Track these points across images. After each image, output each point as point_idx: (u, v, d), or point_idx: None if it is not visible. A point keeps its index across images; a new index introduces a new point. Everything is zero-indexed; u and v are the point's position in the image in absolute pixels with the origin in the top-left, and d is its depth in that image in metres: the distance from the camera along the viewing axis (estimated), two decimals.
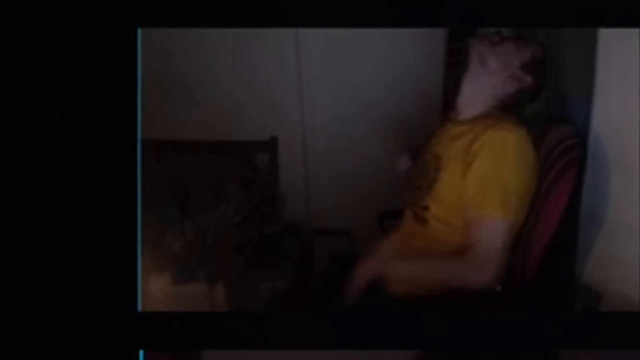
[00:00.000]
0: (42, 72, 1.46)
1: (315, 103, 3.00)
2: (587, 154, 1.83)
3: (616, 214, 1.83)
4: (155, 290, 2.49)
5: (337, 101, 2.97)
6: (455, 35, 2.56)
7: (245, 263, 2.69)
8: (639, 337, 1.51)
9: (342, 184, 3.11)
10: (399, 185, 2.12)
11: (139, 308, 1.54)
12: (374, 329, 1.59)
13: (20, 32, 1.45)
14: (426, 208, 1.85)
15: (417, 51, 2.79)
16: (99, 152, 1.47)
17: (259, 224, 2.93)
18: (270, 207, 3.10)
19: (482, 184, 1.72)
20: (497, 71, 1.83)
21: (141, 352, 1.50)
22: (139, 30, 1.50)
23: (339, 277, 2.27)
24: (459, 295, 1.75)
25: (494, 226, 1.71)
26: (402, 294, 1.94)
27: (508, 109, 1.87)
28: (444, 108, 2.57)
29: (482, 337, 1.50)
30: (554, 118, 1.88)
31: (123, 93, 1.48)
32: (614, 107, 1.82)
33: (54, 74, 1.46)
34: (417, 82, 2.83)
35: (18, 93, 1.44)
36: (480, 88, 1.86)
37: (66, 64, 1.46)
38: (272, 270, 2.71)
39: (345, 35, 2.77)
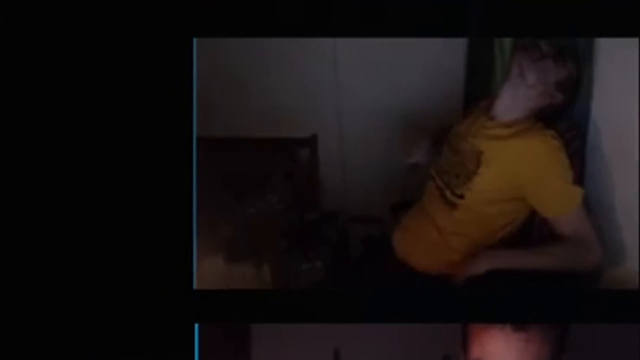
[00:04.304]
0: (113, 78, 1.46)
1: (351, 104, 2.98)
2: (586, 145, 1.87)
3: (616, 201, 1.85)
4: (209, 270, 2.49)
5: (370, 103, 2.95)
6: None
7: (288, 246, 2.69)
8: (636, 312, 1.50)
9: (374, 176, 3.08)
10: (422, 177, 2.09)
11: (194, 286, 1.54)
12: (403, 304, 1.58)
13: (92, 41, 1.45)
14: (461, 196, 1.82)
15: (441, 57, 2.76)
16: (160, 149, 1.47)
17: (301, 212, 2.92)
18: (311, 196, 3.09)
19: (549, 191, 1.73)
20: (533, 85, 1.77)
21: (196, 325, 1.50)
22: (195, 40, 1.50)
23: (371, 258, 2.26)
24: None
25: (572, 219, 1.71)
26: (427, 273, 1.93)
27: (539, 118, 1.83)
28: (469, 102, 2.53)
29: (496, 311, 1.49)
30: None
31: (181, 96, 1.48)
32: (611, 104, 1.84)
33: (125, 80, 1.47)
34: (441, 84, 2.80)
35: (94, 95, 1.45)
36: (517, 98, 1.81)
37: (133, 70, 1.47)
38: (312, 253, 2.69)
39: (377, 44, 2.75)
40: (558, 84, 1.78)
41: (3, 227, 1.45)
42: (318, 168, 3.13)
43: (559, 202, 1.72)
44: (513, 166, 1.74)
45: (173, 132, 1.50)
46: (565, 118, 1.86)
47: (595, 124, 1.87)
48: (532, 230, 1.89)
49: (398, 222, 2.16)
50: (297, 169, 3.06)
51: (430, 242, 1.92)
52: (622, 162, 1.78)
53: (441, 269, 1.86)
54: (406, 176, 2.19)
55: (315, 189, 3.13)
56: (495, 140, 1.81)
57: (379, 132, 3.00)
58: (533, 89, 1.78)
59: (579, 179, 1.77)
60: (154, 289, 1.49)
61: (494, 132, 1.83)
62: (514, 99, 1.82)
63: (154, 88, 1.50)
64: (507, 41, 2.23)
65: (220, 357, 1.71)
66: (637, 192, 1.71)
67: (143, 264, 1.48)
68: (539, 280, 1.71)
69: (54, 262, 1.45)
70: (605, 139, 1.85)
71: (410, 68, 2.84)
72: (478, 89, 2.48)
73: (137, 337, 1.48)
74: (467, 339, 1.44)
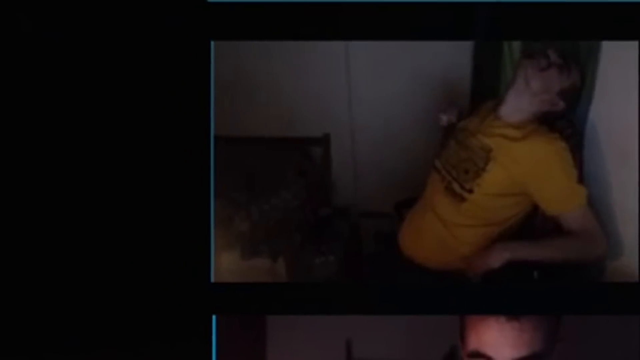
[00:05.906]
0: (133, 80, 1.47)
1: (362, 105, 2.98)
2: (586, 145, 1.89)
3: (615, 198, 1.86)
4: (225, 264, 2.50)
5: (381, 103, 2.96)
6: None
7: (302, 241, 2.69)
8: (636, 304, 1.50)
9: (384, 173, 3.09)
10: (429, 173, 2.10)
11: (212, 279, 1.55)
12: (412, 297, 1.58)
13: (113, 45, 1.46)
14: (470, 190, 1.82)
15: (449, 59, 2.76)
16: (179, 148, 1.48)
17: (314, 208, 2.93)
18: (324, 193, 3.09)
19: (555, 189, 1.74)
20: (537, 93, 1.79)
21: (214, 317, 1.51)
22: (212, 43, 1.51)
23: (382, 253, 2.27)
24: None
25: (578, 215, 1.72)
26: (438, 270, 1.93)
27: (541, 121, 1.84)
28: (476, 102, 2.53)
29: (499, 303, 1.49)
30: None
31: (199, 96, 1.49)
32: (612, 105, 1.84)
33: (145, 82, 1.48)
34: (449, 85, 2.80)
35: (115, 97, 1.46)
36: (521, 103, 1.83)
37: (154, 72, 1.48)
38: (325, 248, 2.70)
39: (388, 47, 2.75)
40: (561, 93, 1.80)
41: (28, 221, 1.47)
42: (330, 166, 3.14)
43: (563, 199, 1.73)
44: (521, 165, 1.75)
45: (191, 132, 1.51)
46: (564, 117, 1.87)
47: (596, 125, 1.88)
48: (535, 222, 1.90)
49: (402, 219, 2.16)
50: (311, 167, 3.07)
51: (436, 236, 1.92)
52: (621, 163, 1.78)
53: (452, 264, 1.86)
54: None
55: (327, 186, 3.14)
56: (504, 139, 1.81)
57: (388, 131, 3.01)
58: (537, 96, 1.80)
59: (579, 175, 1.78)
60: (174, 282, 1.50)
61: (502, 131, 1.84)
62: (518, 104, 1.83)
63: (173, 89, 1.51)
64: (516, 43, 2.22)
65: (236, 347, 1.72)
66: (636, 190, 1.71)
67: (163, 258, 1.49)
68: (547, 272, 1.72)
69: (78, 257, 1.47)
70: (605, 140, 1.85)
71: (419, 69, 2.84)
72: (485, 90, 2.48)
73: (157, 328, 1.49)
74: (464, 331, 1.44)
